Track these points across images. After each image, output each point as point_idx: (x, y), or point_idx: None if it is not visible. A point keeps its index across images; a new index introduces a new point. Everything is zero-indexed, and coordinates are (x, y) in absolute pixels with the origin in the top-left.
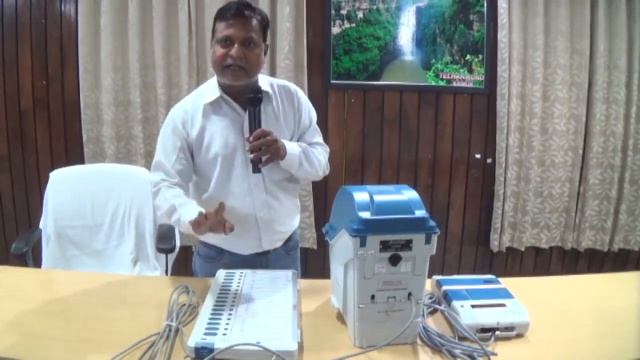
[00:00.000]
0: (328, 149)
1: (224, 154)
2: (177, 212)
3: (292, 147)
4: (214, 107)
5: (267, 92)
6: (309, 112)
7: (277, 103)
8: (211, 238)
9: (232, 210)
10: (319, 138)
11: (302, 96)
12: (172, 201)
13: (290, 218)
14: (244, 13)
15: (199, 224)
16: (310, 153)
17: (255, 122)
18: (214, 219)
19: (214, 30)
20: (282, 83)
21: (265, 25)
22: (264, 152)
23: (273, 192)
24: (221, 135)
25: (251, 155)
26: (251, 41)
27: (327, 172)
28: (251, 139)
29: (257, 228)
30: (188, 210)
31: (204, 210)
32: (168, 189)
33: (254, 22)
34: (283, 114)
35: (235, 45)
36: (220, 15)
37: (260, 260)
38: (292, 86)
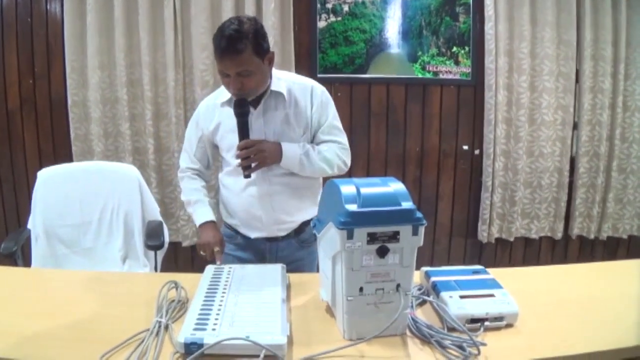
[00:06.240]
0: (346, 147)
1: (232, 147)
2: (192, 207)
3: (292, 150)
4: (230, 104)
5: (279, 93)
6: (326, 109)
7: (290, 103)
8: (229, 218)
9: (240, 195)
10: (336, 137)
11: (320, 94)
12: (189, 196)
13: (298, 210)
14: (233, 48)
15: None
16: (312, 153)
17: (243, 132)
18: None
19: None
20: (301, 82)
21: (259, 43)
22: (251, 160)
23: (278, 185)
24: (232, 130)
25: (238, 163)
26: (246, 72)
27: (344, 169)
28: (238, 148)
29: (260, 215)
30: (200, 212)
31: (213, 219)
32: (190, 179)
33: (245, 54)
34: (294, 113)
35: (232, 78)
36: (214, 45)
37: (269, 246)
38: (310, 83)
